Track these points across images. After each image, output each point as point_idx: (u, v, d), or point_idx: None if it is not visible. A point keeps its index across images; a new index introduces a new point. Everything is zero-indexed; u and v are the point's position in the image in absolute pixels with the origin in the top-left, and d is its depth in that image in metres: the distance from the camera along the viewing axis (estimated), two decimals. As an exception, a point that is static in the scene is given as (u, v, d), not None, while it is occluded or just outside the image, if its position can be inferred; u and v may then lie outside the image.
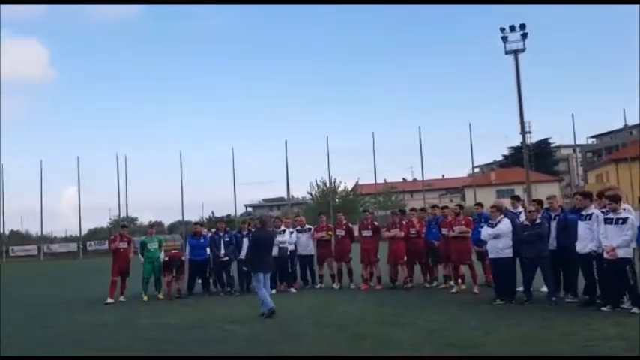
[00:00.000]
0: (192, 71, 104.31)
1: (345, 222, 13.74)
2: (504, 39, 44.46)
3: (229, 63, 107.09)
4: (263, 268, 9.78)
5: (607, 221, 8.40)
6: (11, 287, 19.94)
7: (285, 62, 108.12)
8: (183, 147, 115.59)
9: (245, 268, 11.45)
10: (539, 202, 10.68)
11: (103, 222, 60.17)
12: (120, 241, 12.94)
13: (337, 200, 55.44)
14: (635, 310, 8.06)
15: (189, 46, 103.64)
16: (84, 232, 55.57)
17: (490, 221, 10.27)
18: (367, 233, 12.91)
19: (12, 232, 59.90)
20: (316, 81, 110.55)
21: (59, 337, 8.44)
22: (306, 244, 13.47)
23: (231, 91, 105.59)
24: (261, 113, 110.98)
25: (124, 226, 15.56)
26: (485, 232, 10.19)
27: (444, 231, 11.68)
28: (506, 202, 11.66)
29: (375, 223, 13.41)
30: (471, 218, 11.79)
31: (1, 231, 55.28)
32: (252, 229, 13.20)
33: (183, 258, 13.12)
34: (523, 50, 43.90)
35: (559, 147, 74.29)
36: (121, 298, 12.48)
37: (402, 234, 12.37)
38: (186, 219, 49.89)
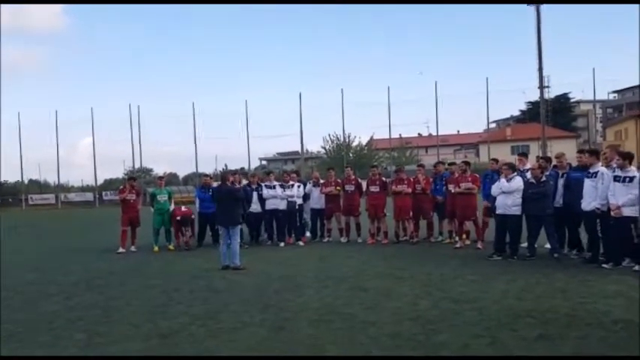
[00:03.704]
0: (206, 21, 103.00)
1: (354, 177, 13.78)
2: (527, -12, 42.82)
3: (243, 13, 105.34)
4: (224, 222, 10.08)
5: (616, 179, 8.35)
6: (31, 235, 20.60)
7: (300, 12, 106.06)
8: (196, 99, 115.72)
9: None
10: (548, 160, 10.57)
11: (119, 172, 61.18)
12: (129, 193, 13.15)
13: (351, 155, 55.38)
14: (637, 267, 8.10)
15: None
16: (100, 182, 56.61)
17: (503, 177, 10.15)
18: (375, 189, 12.97)
19: (30, 181, 61.08)
20: (331, 32, 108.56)
21: (75, 283, 8.88)
22: (320, 198, 13.58)
23: (244, 41, 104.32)
24: (275, 65, 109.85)
25: (131, 178, 15.68)
26: (497, 187, 10.09)
27: (451, 187, 11.66)
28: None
29: (383, 178, 13.49)
30: (477, 175, 11.74)
31: (20, 180, 56.38)
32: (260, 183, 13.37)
33: (193, 217, 13.26)
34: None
35: (579, 102, 72.53)
36: (132, 248, 12.81)
37: (410, 190, 12.41)
38: (200, 171, 50.32)
